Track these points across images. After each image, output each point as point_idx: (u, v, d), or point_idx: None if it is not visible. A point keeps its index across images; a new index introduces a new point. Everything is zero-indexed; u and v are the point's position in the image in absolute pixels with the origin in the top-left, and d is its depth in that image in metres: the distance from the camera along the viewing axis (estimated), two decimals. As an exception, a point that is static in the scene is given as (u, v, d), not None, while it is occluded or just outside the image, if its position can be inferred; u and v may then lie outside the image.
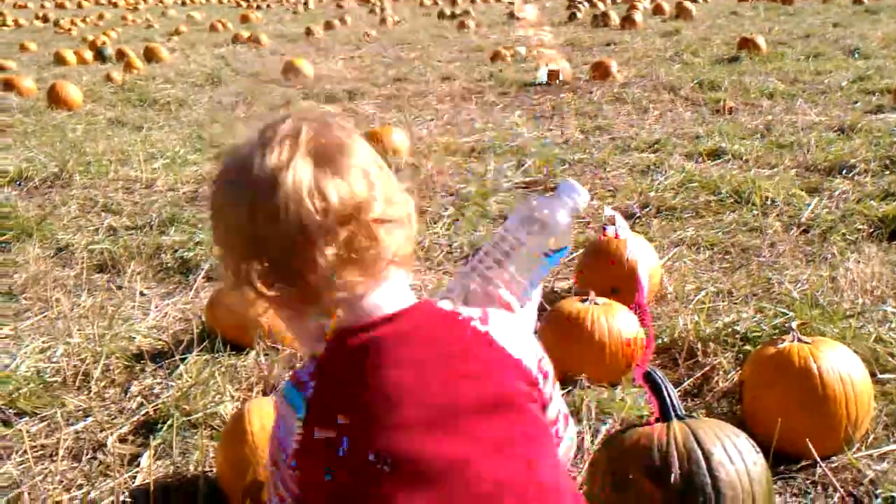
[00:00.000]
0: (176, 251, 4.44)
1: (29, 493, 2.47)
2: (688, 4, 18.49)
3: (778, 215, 4.59)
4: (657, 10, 19.26)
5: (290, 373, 1.37)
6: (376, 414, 1.22)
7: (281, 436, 1.30)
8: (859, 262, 3.75)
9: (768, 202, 4.75)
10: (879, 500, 2.26)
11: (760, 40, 11.11)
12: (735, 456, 2.03)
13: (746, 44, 11.00)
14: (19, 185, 5.95)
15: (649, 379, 2.15)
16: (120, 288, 4.09)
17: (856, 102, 7.62)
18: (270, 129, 1.27)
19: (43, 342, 3.42)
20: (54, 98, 9.29)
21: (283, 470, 1.30)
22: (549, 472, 1.28)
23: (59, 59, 14.25)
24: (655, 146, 6.36)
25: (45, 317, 3.76)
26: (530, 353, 1.34)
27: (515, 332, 1.34)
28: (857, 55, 10.46)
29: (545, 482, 1.27)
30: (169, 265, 4.34)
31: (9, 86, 10.50)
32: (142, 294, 4.01)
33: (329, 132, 1.27)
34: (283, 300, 1.26)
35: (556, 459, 1.34)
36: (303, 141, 1.24)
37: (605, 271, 3.46)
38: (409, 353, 1.25)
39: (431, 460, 1.20)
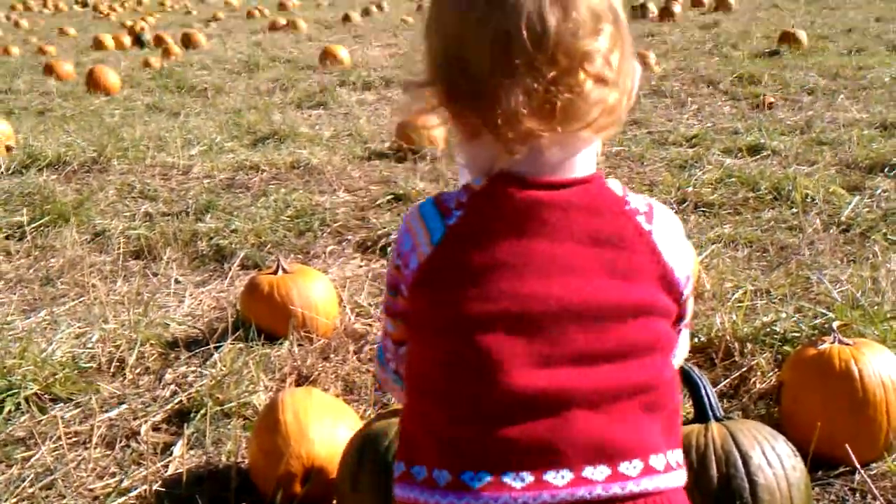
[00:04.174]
0: (211, 238, 4.46)
1: (62, 480, 2.48)
2: (728, -4, 18.28)
3: (818, 213, 4.52)
4: (696, 2, 19.06)
5: (432, 197, 1.27)
6: (515, 274, 1.15)
7: (405, 249, 1.24)
8: (901, 263, 3.68)
9: (808, 199, 4.68)
10: (920, 508, 2.22)
11: (801, 34, 10.95)
12: (774, 460, 2.00)
13: (787, 38, 10.84)
14: (57, 169, 6.00)
15: (687, 378, 2.12)
16: (156, 275, 4.11)
17: (899, 99, 7.49)
18: None
19: (79, 328, 3.45)
20: (93, 83, 9.38)
21: (402, 280, 1.24)
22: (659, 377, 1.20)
23: (98, 45, 14.41)
24: (693, 140, 6.28)
25: (81, 302, 3.79)
26: (684, 261, 1.24)
27: (675, 235, 1.24)
28: (900, 50, 10.28)
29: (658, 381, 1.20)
30: (204, 252, 4.35)
31: (48, 70, 10.63)
32: (177, 281, 4.03)
33: None
34: (462, 117, 1.20)
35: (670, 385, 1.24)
36: None
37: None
38: (566, 232, 1.17)
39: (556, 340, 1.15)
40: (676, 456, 1.20)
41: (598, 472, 1.12)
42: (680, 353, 1.37)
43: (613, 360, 1.15)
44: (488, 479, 1.11)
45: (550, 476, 1.11)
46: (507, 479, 1.10)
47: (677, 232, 1.25)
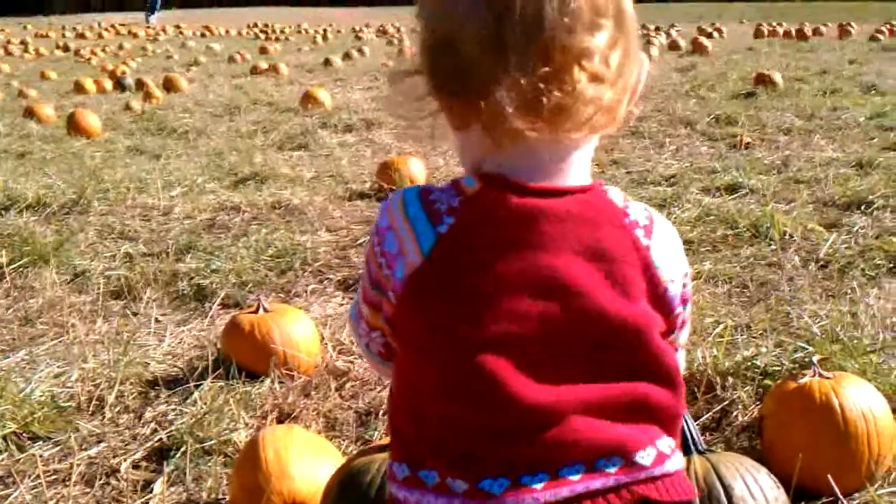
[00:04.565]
0: (192, 278, 4.44)
1: (41, 519, 2.45)
2: (703, 40, 18.61)
3: (796, 250, 4.56)
4: (673, 45, 19.37)
5: (418, 187, 1.19)
6: (513, 291, 1.12)
7: (389, 250, 1.17)
8: (880, 297, 3.72)
9: (786, 237, 4.73)
10: (903, 539, 2.22)
11: (777, 76, 11.13)
12: (756, 491, 2.00)
13: (763, 79, 11.02)
14: (37, 211, 5.98)
15: (669, 411, 2.12)
16: (135, 314, 4.09)
17: (873, 139, 7.61)
18: None
19: (58, 367, 3.42)
20: (74, 126, 9.36)
21: (387, 285, 1.19)
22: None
23: (79, 88, 14.38)
24: (672, 180, 6.35)
25: (60, 342, 3.76)
26: (679, 278, 1.22)
27: (673, 252, 1.21)
28: (873, 92, 10.47)
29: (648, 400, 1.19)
30: (185, 292, 4.33)
31: (29, 113, 10.61)
32: (157, 321, 4.01)
33: None
34: (450, 108, 1.16)
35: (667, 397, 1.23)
36: None
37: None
38: (565, 243, 1.13)
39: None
40: (672, 441, 1.21)
41: (610, 464, 1.13)
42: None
43: (614, 375, 1.16)
44: (508, 483, 1.10)
45: (565, 472, 1.11)
46: (526, 481, 1.10)
47: (675, 248, 1.23)
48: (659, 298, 1.18)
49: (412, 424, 1.20)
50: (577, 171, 1.19)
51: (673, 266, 1.20)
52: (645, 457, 1.15)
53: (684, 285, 1.24)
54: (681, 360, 1.35)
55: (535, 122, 1.07)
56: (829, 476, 2.30)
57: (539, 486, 1.10)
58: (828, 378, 2.48)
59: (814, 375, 2.50)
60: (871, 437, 2.38)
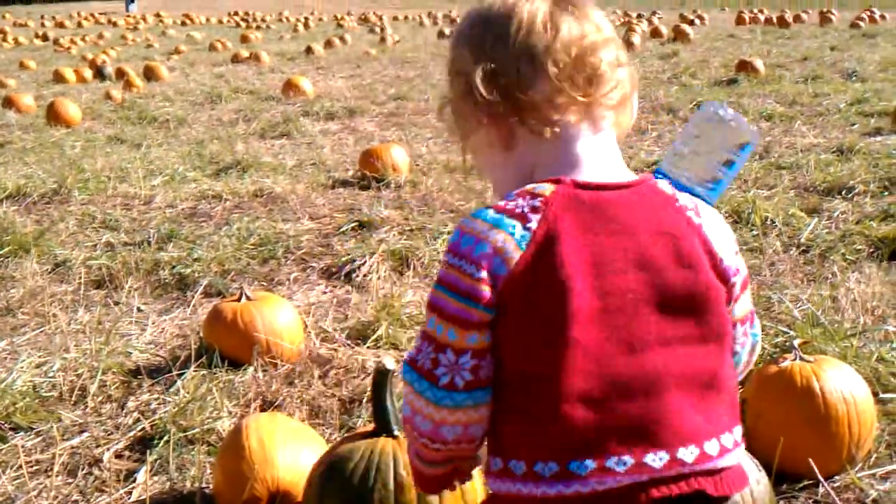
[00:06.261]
0: (174, 267, 4.42)
1: (23, 509, 2.44)
2: (685, 28, 18.65)
3: (777, 235, 4.59)
4: (655, 33, 19.42)
5: (483, 208, 1.30)
6: (601, 272, 1.23)
7: (480, 252, 1.24)
8: (860, 281, 3.74)
9: (768, 222, 4.75)
10: (883, 520, 2.24)
11: (758, 63, 11.18)
12: (738, 474, 2.01)
13: (744, 66, 11.06)
14: (17, 200, 5.94)
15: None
16: (117, 304, 4.07)
17: (853, 125, 7.66)
18: None
19: (39, 357, 3.40)
20: (53, 115, 9.30)
21: (479, 289, 1.23)
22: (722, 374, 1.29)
23: (59, 78, 14.29)
24: (654, 167, 6.34)
25: (41, 332, 3.74)
26: (731, 251, 1.34)
27: (722, 228, 1.34)
28: (854, 78, 10.53)
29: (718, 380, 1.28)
30: (166, 281, 4.32)
31: (8, 103, 10.53)
32: (139, 310, 3.99)
33: None
34: (496, 114, 1.31)
35: (731, 368, 1.34)
36: None
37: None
38: (638, 227, 1.27)
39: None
40: (739, 432, 1.29)
41: (688, 454, 1.21)
42: (745, 353, 1.42)
43: (688, 344, 1.25)
44: (593, 466, 1.18)
45: (649, 458, 1.19)
46: (610, 464, 1.18)
47: (723, 225, 1.35)
48: (717, 269, 1.29)
49: (513, 416, 1.26)
50: (618, 165, 1.36)
51: (724, 241, 1.32)
52: (712, 448, 1.23)
53: (737, 260, 1.34)
54: (756, 330, 1.42)
55: (575, 91, 1.29)
56: (809, 459, 2.32)
57: (622, 469, 1.19)
58: (809, 362, 2.49)
59: (795, 359, 2.51)
60: (852, 420, 2.40)
